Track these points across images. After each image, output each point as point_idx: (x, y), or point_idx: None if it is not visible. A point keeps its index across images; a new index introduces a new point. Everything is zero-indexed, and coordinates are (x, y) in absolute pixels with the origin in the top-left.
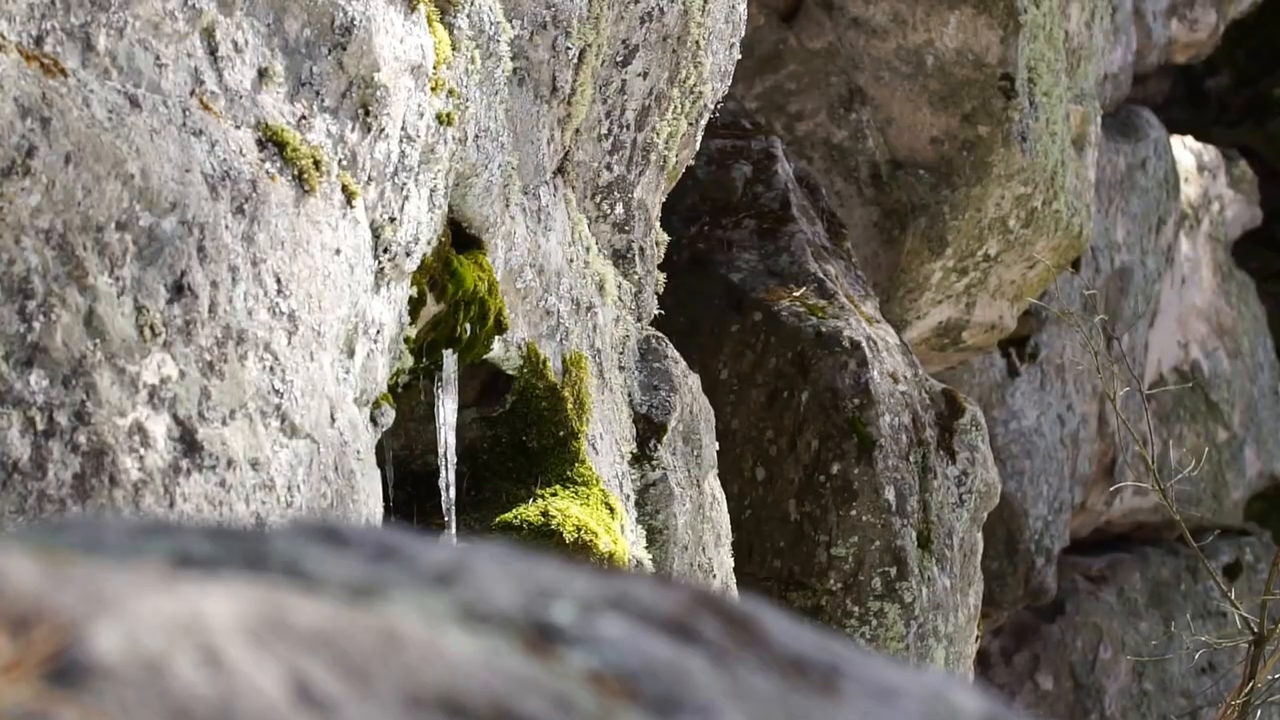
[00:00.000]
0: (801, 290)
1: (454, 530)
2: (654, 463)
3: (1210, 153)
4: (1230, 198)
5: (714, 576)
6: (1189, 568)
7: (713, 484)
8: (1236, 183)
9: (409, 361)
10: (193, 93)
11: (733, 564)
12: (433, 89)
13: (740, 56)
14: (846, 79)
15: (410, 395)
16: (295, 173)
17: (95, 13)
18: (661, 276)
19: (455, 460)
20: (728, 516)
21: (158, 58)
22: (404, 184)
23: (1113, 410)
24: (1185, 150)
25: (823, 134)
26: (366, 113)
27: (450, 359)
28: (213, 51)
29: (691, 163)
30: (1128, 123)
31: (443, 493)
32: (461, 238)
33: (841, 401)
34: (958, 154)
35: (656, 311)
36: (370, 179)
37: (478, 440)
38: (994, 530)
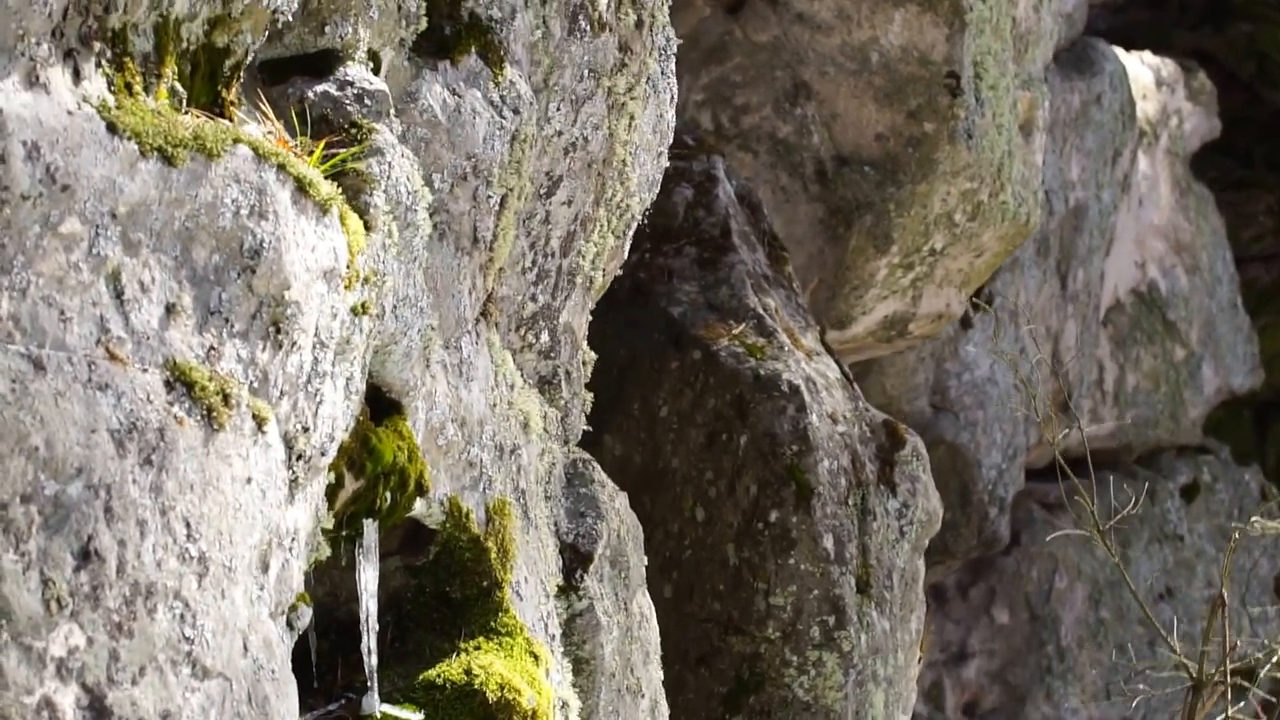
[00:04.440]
0: (741, 328)
1: (377, 694)
2: (580, 593)
3: (1169, 67)
4: (1189, 111)
5: (642, 696)
6: (1147, 491)
7: (641, 601)
8: (1195, 95)
9: (329, 524)
10: (99, 342)
11: (661, 676)
12: (346, 286)
13: (683, 44)
14: (792, 73)
15: (334, 545)
16: (204, 411)
17: None
18: (589, 396)
19: (376, 627)
20: (656, 630)
21: (62, 312)
22: (317, 390)
23: (1066, 348)
24: (1143, 66)
25: (768, 128)
26: (278, 330)
27: (370, 528)
28: (119, 295)
29: None
30: (1083, 57)
31: (365, 658)
32: (381, 402)
33: (780, 448)
34: (903, 150)
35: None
36: (283, 393)
37: (402, 589)
38: (947, 481)
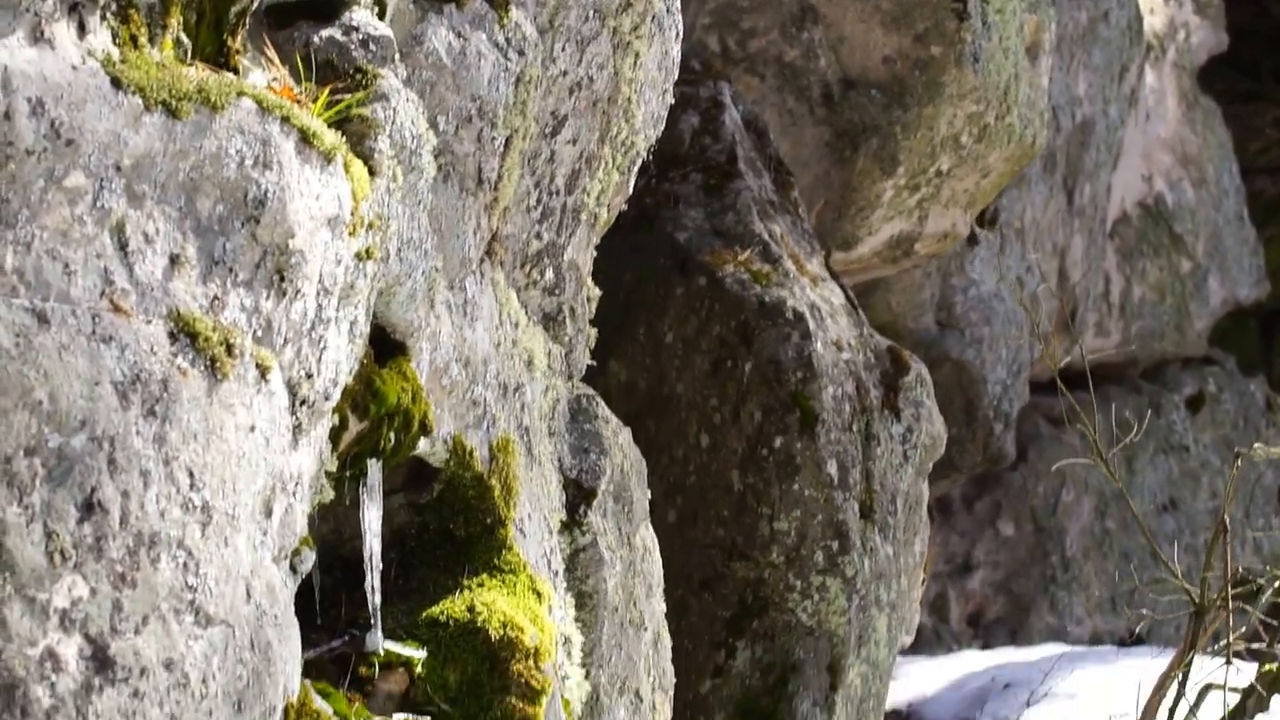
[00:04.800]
0: (746, 254)
1: (380, 630)
2: (584, 528)
3: None
4: (1196, 24)
5: (645, 629)
6: (1151, 403)
7: (644, 535)
8: (1203, 8)
9: (333, 467)
10: (103, 294)
11: (664, 609)
12: (350, 233)
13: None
14: None
15: (338, 485)
16: (207, 362)
17: (2, 232)
18: (593, 332)
19: (380, 565)
20: (659, 563)
21: (66, 265)
22: (321, 336)
23: (1073, 263)
24: None
25: (775, 52)
26: (282, 279)
27: (374, 467)
28: (123, 247)
29: None
30: None
31: (369, 596)
32: (385, 343)
33: (784, 374)
34: (910, 74)
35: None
36: (286, 341)
37: (406, 526)
38: (952, 398)
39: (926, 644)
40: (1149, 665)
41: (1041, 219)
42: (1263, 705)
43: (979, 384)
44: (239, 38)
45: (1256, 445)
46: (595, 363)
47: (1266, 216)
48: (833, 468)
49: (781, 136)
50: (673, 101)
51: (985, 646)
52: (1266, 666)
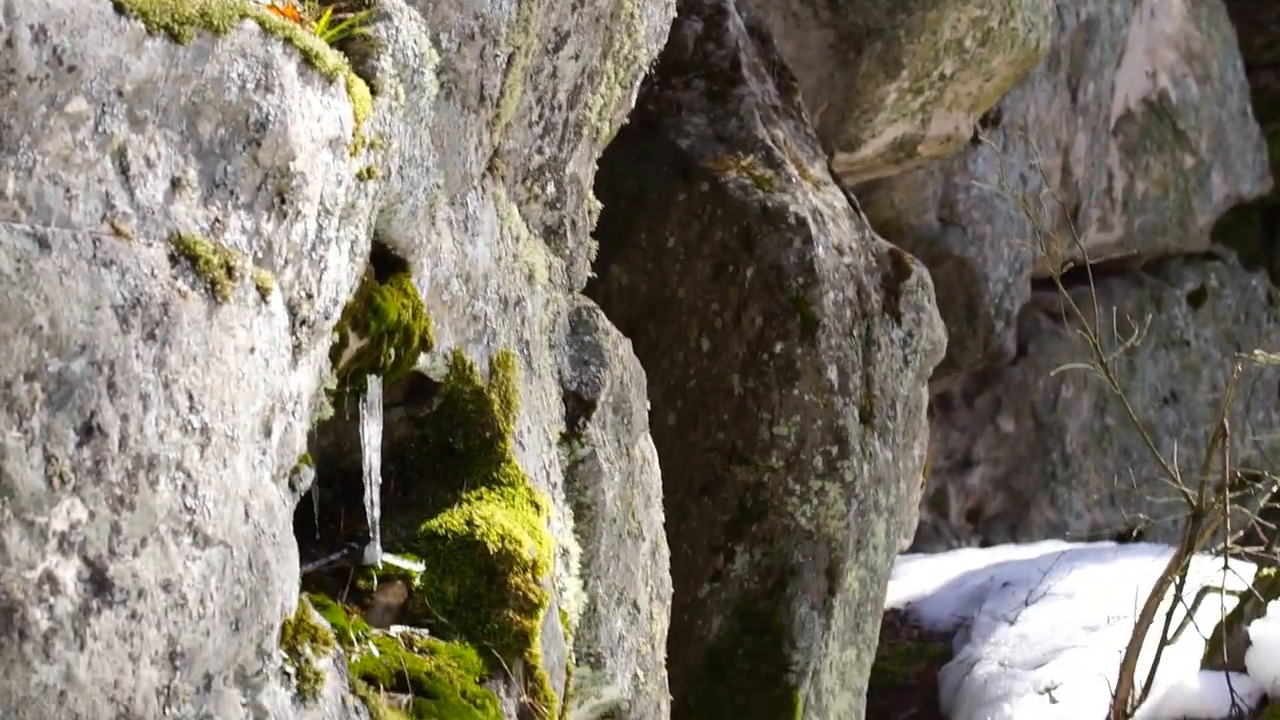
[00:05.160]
0: (749, 159)
1: (379, 543)
2: (583, 440)
3: None
4: None
5: (643, 539)
6: (1153, 297)
7: (643, 446)
8: None
9: (333, 384)
10: (104, 218)
11: (662, 519)
12: (352, 153)
13: None
14: None
15: (338, 401)
16: (207, 284)
17: (3, 157)
18: (594, 244)
19: (379, 480)
20: (658, 473)
21: (68, 190)
22: (321, 257)
23: (1076, 160)
24: None
25: None
26: (282, 201)
27: (375, 383)
28: (124, 171)
29: None
30: None
31: (368, 510)
32: (386, 260)
33: (785, 280)
34: None
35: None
36: (286, 262)
37: (406, 439)
38: (954, 295)
39: (926, 540)
40: (1147, 565)
41: (1045, 117)
42: (1260, 610)
43: (980, 282)
44: None
45: (1257, 351)
46: (597, 270)
47: (1270, 112)
48: (833, 373)
49: (785, 40)
50: (675, 15)
51: (984, 542)
52: (1264, 571)
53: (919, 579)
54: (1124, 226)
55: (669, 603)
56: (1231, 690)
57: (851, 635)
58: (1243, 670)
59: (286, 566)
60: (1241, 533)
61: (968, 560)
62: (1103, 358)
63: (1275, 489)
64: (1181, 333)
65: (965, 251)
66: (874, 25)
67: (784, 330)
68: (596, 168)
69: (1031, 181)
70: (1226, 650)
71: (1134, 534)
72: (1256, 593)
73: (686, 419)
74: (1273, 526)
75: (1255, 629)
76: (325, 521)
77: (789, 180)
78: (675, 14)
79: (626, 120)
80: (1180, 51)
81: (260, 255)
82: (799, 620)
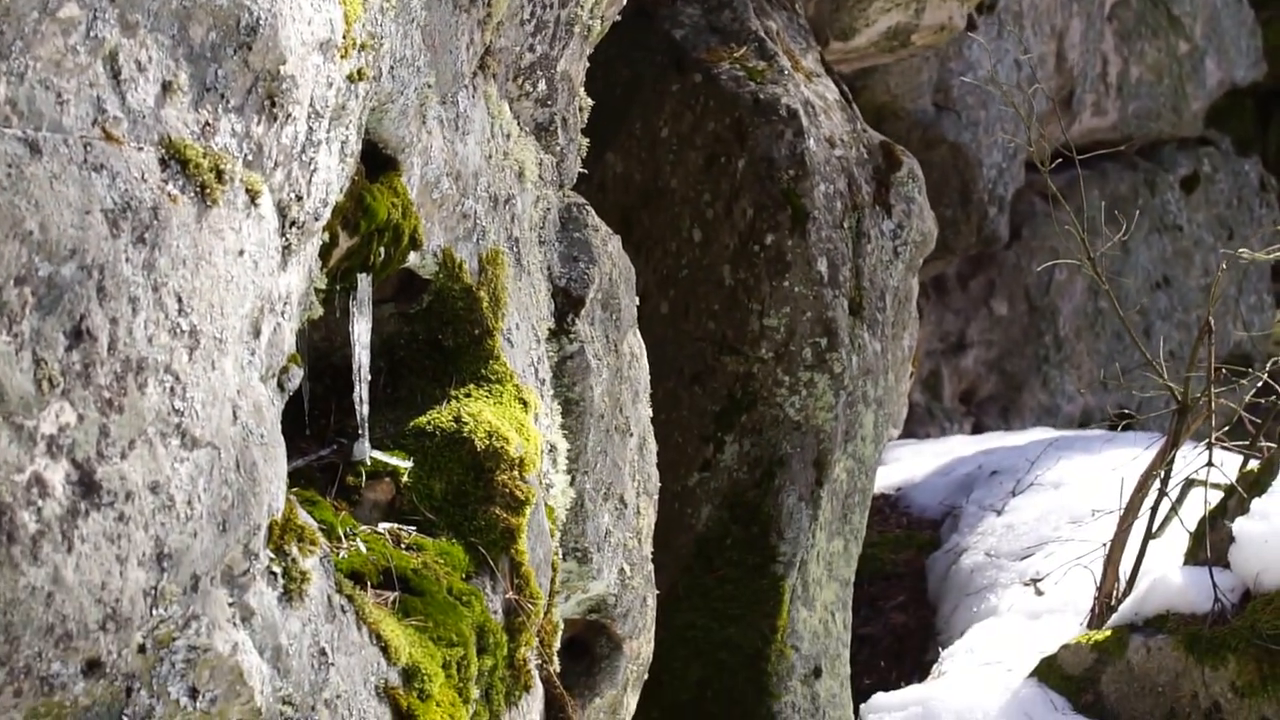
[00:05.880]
0: (742, 50)
1: (368, 439)
2: (571, 336)
3: None
4: None
5: (631, 434)
6: (1146, 182)
7: (631, 341)
8: None
9: (323, 283)
10: (95, 122)
11: (650, 414)
12: (343, 55)
13: None
14: None
15: (328, 299)
16: (197, 188)
17: None
18: (585, 141)
19: (368, 377)
20: (646, 369)
21: (59, 95)
22: (312, 159)
23: (1071, 45)
24: None
25: None
26: (273, 104)
27: (364, 281)
28: (115, 75)
29: None
30: None
31: (357, 407)
32: (377, 158)
33: (777, 172)
34: None
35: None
36: (276, 164)
37: (395, 335)
38: (949, 180)
39: (920, 422)
40: (1134, 456)
41: (1040, 3)
42: (1244, 506)
43: (974, 167)
44: None
45: (1242, 250)
46: (592, 156)
47: None
48: (823, 265)
49: None
50: None
51: (977, 425)
52: (1249, 466)
53: (910, 464)
54: (1118, 112)
55: (656, 497)
56: (1214, 585)
57: (839, 526)
58: (1226, 566)
59: (274, 467)
60: (1227, 426)
61: (958, 446)
62: (1090, 252)
63: (1260, 383)
64: (1174, 217)
65: (960, 137)
66: None
67: (775, 222)
68: (588, 64)
69: (1025, 68)
70: (1210, 545)
71: (1121, 425)
72: (1240, 488)
73: (678, 308)
74: (1257, 420)
75: (1238, 525)
76: (315, 416)
77: (781, 72)
78: None
79: (619, 17)
80: None
81: (250, 158)
82: (787, 511)
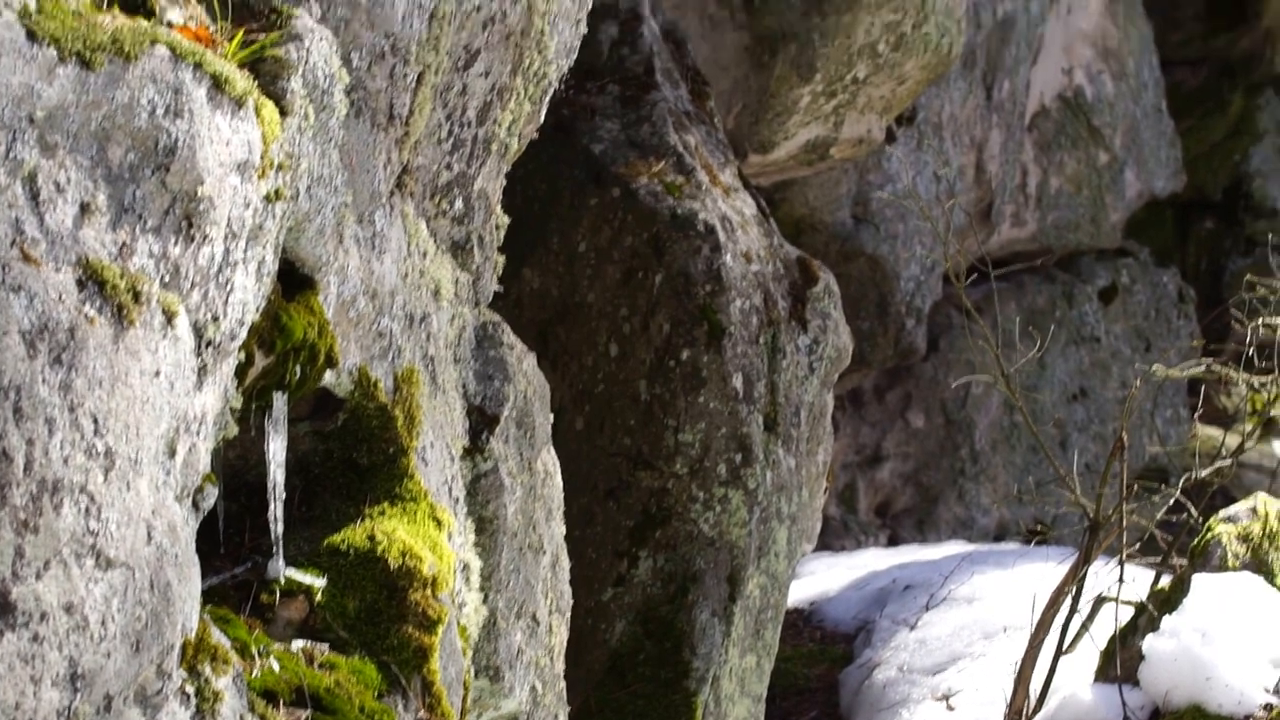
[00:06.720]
0: (661, 165)
1: (282, 557)
2: (485, 454)
3: None
4: None
5: (544, 552)
6: (1064, 293)
7: (545, 459)
8: None
9: (238, 403)
10: (14, 243)
11: (564, 531)
12: (260, 176)
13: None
14: None
15: (244, 417)
16: (114, 309)
17: None
18: (501, 259)
19: (283, 495)
20: (560, 487)
21: None
22: (228, 279)
23: (990, 157)
24: None
25: None
26: (190, 225)
27: (280, 400)
28: (34, 197)
29: None
30: None
31: (271, 525)
32: (294, 277)
33: (694, 287)
34: None
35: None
36: (193, 285)
37: (310, 453)
38: (866, 292)
39: (835, 535)
40: (1047, 571)
41: (960, 114)
42: (1154, 624)
43: (892, 280)
44: None
45: (1155, 365)
46: (509, 271)
47: (1185, 108)
48: (738, 381)
49: (701, 41)
50: (591, 20)
51: (893, 538)
52: (1159, 585)
53: (824, 578)
54: (1037, 222)
55: (568, 614)
56: (1124, 704)
57: (752, 642)
58: (1136, 684)
59: (188, 586)
60: (1139, 543)
61: (872, 560)
62: (1004, 369)
63: (1172, 500)
64: (1092, 329)
65: (878, 249)
66: (789, 28)
67: (691, 337)
68: (505, 181)
69: (945, 178)
70: (1120, 663)
71: (1036, 540)
72: (1151, 606)
73: (594, 423)
74: (1169, 537)
75: (1148, 643)
76: (230, 534)
77: (699, 187)
78: (586, 29)
79: (536, 135)
80: (1097, 48)
81: (167, 279)
82: (700, 626)
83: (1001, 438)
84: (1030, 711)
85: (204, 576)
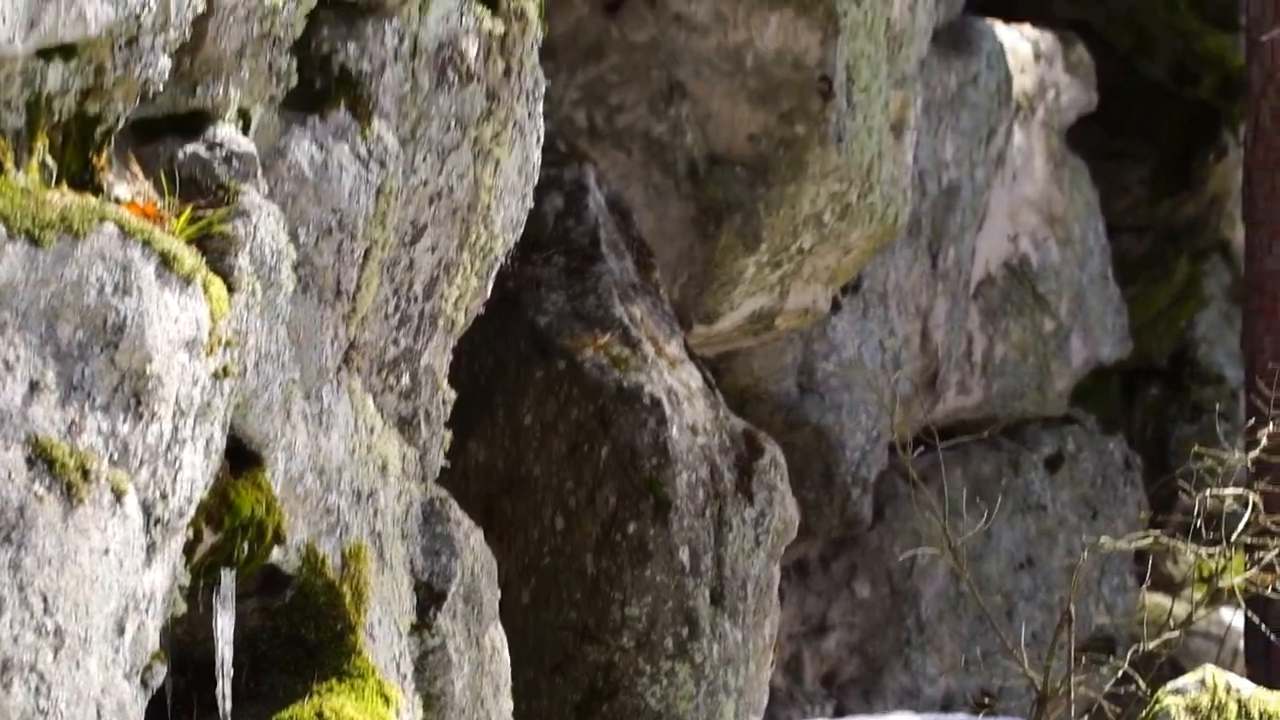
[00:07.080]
0: (606, 338)
1: None
2: (433, 631)
3: (1048, 40)
4: (1066, 83)
5: None
6: (1010, 461)
7: (493, 635)
8: (1073, 68)
9: (186, 580)
10: None
11: (511, 706)
12: (208, 353)
13: (560, 42)
14: (667, 73)
15: (192, 593)
16: (63, 487)
17: None
18: (448, 435)
19: (231, 672)
20: (508, 663)
21: None
22: (177, 457)
23: (936, 325)
24: (1022, 40)
25: (642, 127)
26: (139, 402)
27: (228, 576)
28: None
29: None
30: (961, 37)
31: (219, 703)
32: (241, 454)
33: (640, 460)
34: (774, 152)
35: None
36: (142, 462)
37: (258, 630)
38: (810, 462)
39: (781, 705)
40: None
41: (905, 283)
42: None
43: (837, 450)
44: (105, 155)
45: (1103, 537)
46: (455, 444)
47: (1131, 275)
48: (685, 554)
49: (646, 211)
50: (536, 195)
51: (839, 708)
52: None
53: None
54: (983, 390)
55: None
56: None
57: None
58: None
59: None
60: (1087, 715)
61: None
62: (951, 540)
63: (1120, 672)
64: (1038, 498)
65: (823, 419)
66: (734, 198)
67: (637, 511)
68: (452, 356)
69: (890, 348)
70: None
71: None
72: None
73: (540, 597)
74: (1117, 709)
75: None
76: (178, 712)
77: (645, 359)
78: (533, 203)
79: (482, 310)
80: (1042, 215)
81: (116, 456)
82: None
83: (948, 607)
84: None
85: None
